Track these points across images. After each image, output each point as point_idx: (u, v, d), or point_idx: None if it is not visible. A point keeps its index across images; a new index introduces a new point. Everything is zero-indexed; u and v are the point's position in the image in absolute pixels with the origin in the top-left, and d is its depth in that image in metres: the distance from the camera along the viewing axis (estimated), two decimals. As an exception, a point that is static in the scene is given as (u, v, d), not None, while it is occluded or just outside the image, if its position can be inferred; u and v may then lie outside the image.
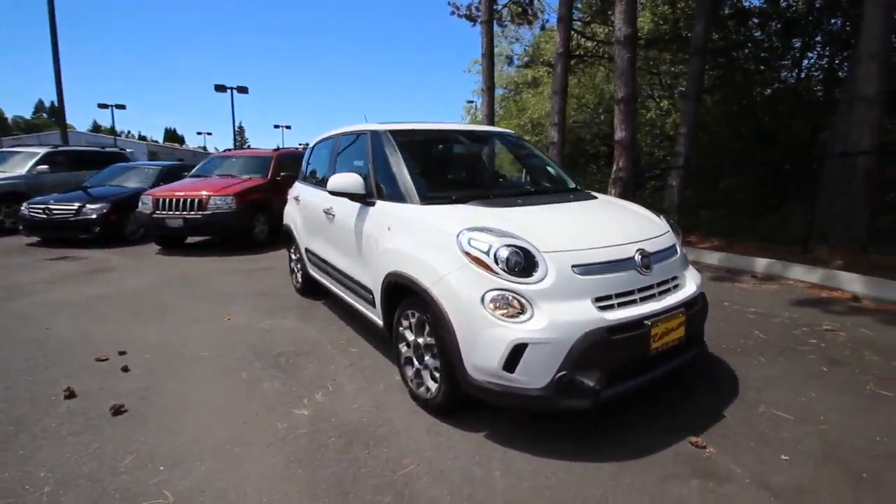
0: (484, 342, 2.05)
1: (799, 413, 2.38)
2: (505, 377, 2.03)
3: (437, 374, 2.35)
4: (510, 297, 2.04)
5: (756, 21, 9.64)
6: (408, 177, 2.78)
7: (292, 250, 4.87)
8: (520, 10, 11.03)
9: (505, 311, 2.03)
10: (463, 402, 2.33)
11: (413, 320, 2.50)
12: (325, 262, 3.79)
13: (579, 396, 2.01)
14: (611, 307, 2.11)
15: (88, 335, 3.68)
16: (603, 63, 11.97)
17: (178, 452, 2.16)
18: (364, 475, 1.99)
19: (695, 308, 2.40)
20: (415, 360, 2.56)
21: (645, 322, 2.13)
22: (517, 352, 1.98)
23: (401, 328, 2.64)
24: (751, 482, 1.89)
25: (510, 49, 12.94)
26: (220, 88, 26.16)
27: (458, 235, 2.24)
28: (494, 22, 13.24)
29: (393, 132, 3.17)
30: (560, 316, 2.00)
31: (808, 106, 10.69)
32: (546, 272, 2.07)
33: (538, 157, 3.60)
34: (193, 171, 8.91)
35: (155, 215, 7.13)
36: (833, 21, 9.86)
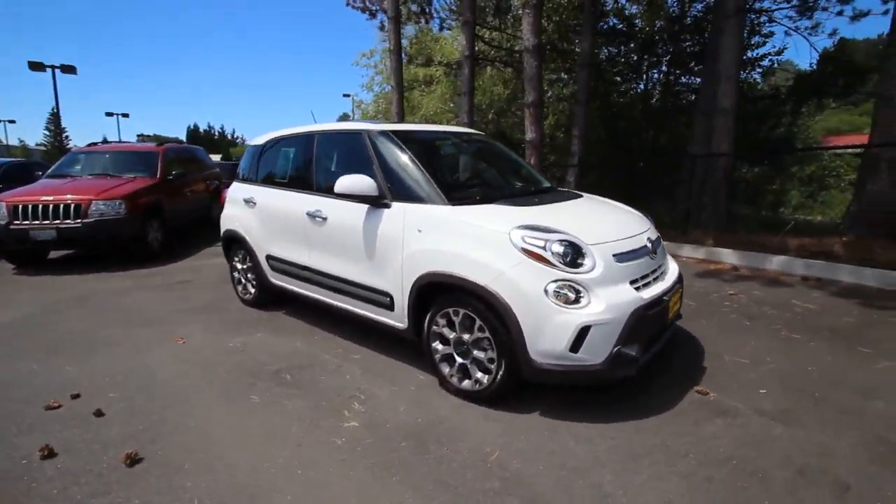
0: (550, 329, 2.26)
1: (751, 357, 3.09)
2: (570, 358, 2.28)
3: (492, 366, 2.49)
4: (569, 287, 2.29)
5: (622, 39, 11.41)
6: (429, 178, 2.83)
7: (238, 259, 4.42)
8: (418, 9, 11.23)
9: (566, 299, 2.28)
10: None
11: (457, 318, 2.59)
12: (303, 268, 3.57)
13: (627, 365, 2.35)
14: (639, 288, 2.50)
15: (7, 381, 2.92)
16: (497, 67, 12.83)
17: (245, 488, 1.95)
18: (458, 469, 2.06)
19: (682, 283, 2.94)
20: (456, 356, 2.66)
21: (664, 298, 2.57)
22: (582, 334, 2.24)
23: (435, 327, 2.71)
24: (753, 413, 2.45)
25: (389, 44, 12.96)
26: (36, 67, 21.06)
27: (510, 233, 2.41)
28: (381, 16, 13.25)
29: (395, 132, 3.15)
30: (612, 299, 2.31)
31: (652, 114, 12.95)
32: (594, 262, 2.36)
33: (515, 160, 3.89)
34: (51, 170, 7.28)
35: (13, 227, 5.70)
36: (670, 47, 12.11)
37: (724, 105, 6.15)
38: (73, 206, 5.84)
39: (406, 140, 3.11)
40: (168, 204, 7.23)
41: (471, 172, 3.29)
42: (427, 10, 11.52)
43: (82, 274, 5.81)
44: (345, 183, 2.89)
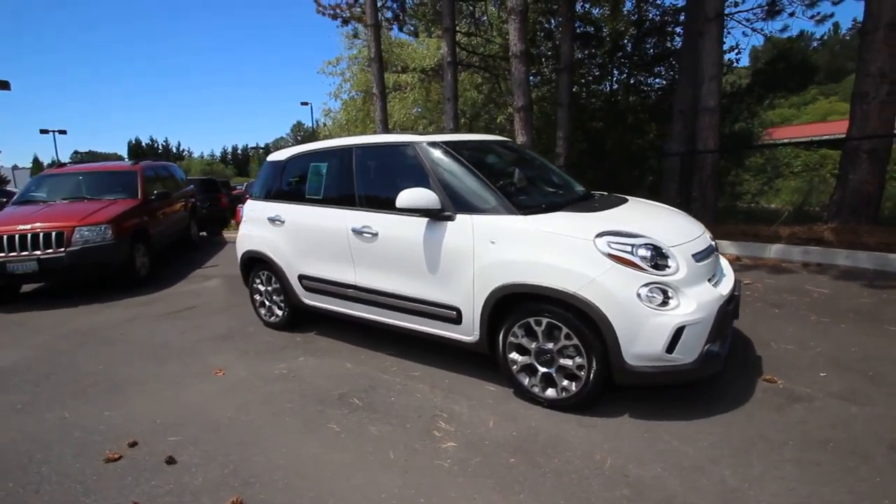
0: (646, 332, 2.31)
1: (795, 343, 3.28)
2: (665, 359, 2.33)
3: (581, 372, 2.51)
4: (659, 289, 2.34)
5: (593, 43, 11.83)
6: (494, 189, 2.82)
7: (261, 280, 4.22)
8: (392, 16, 11.16)
9: (657, 301, 2.33)
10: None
11: (539, 328, 2.59)
12: (348, 286, 3.45)
13: (715, 362, 2.43)
14: (715, 286, 2.60)
15: (43, 436, 2.65)
16: (473, 71, 12.94)
17: (375, 524, 1.86)
18: (580, 480, 2.06)
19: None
20: (538, 365, 2.65)
21: (735, 293, 2.68)
22: (677, 334, 2.30)
23: (513, 338, 2.69)
24: (824, 395, 2.59)
25: (368, 51, 12.67)
26: (-41, 83, 19.19)
27: (594, 240, 2.44)
28: (353, 23, 13.10)
29: (447, 143, 3.11)
30: (700, 298, 2.39)
31: (620, 114, 13.48)
32: (678, 264, 2.43)
33: (548, 166, 3.93)
34: (17, 197, 6.67)
35: (-14, 260, 5.17)
36: (634, 51, 12.66)
37: (710, 104, 6.50)
38: (53, 234, 5.39)
39: (459, 151, 3.09)
40: (152, 226, 6.81)
41: (519, 181, 3.30)
42: (401, 16, 11.46)
43: (69, 307, 5.35)
44: (407, 197, 2.83)
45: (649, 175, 12.69)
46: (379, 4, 9.94)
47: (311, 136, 38.78)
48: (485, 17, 12.20)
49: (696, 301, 2.36)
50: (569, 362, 2.54)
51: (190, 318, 4.77)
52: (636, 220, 2.74)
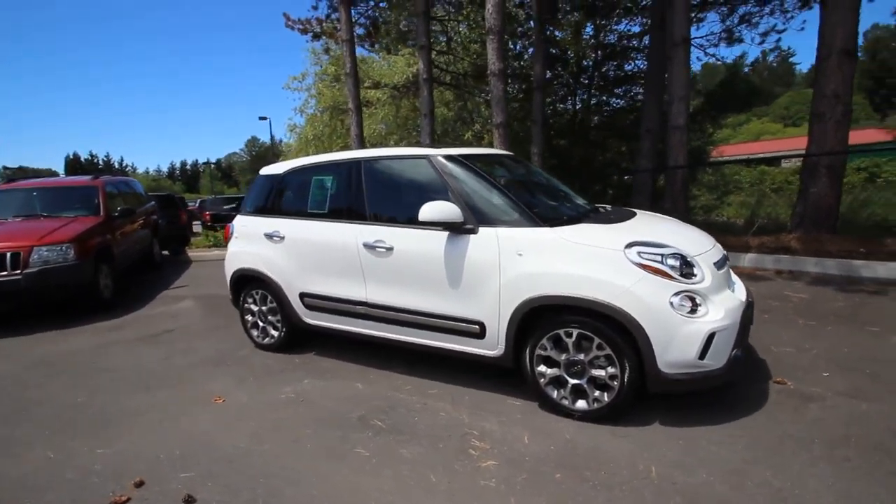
0: (680, 339, 2.35)
1: (793, 346, 3.45)
2: (698, 365, 2.38)
3: (613, 383, 2.52)
4: (689, 297, 2.41)
5: (559, 65, 12.33)
6: (517, 201, 2.82)
7: (253, 300, 4.00)
8: (366, 34, 11.14)
9: (688, 309, 2.39)
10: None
11: (570, 339, 2.58)
12: (357, 303, 3.33)
13: (740, 366, 2.52)
14: (734, 293, 2.70)
15: (29, 480, 2.34)
16: (449, 89, 13.09)
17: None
18: (633, 491, 2.05)
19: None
20: (567, 377, 2.64)
21: (751, 300, 2.80)
22: (709, 341, 2.36)
23: (541, 351, 2.68)
24: (833, 394, 2.73)
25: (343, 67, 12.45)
26: None
27: (624, 250, 2.48)
28: (324, 39, 12.99)
29: (463, 156, 3.10)
30: (725, 304, 2.47)
31: (584, 132, 14.05)
32: (703, 272, 2.51)
33: (552, 179, 4.00)
34: (-42, 213, 6.02)
35: (-73, 285, 4.61)
36: (596, 72, 13.29)
37: (679, 122, 6.89)
38: (8, 255, 4.89)
39: (475, 163, 3.08)
40: (116, 245, 6.35)
41: (532, 193, 3.33)
42: (373, 33, 11.47)
43: (27, 335, 4.85)
44: (429, 211, 2.78)
45: (609, 189, 13.25)
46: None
47: (269, 151, 37.80)
48: (456, 37, 12.45)
49: (723, 308, 2.44)
50: (601, 373, 2.55)
51: (170, 342, 4.43)
52: (656, 232, 2.82)
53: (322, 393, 3.18)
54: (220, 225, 14.70)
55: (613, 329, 2.46)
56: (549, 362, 2.69)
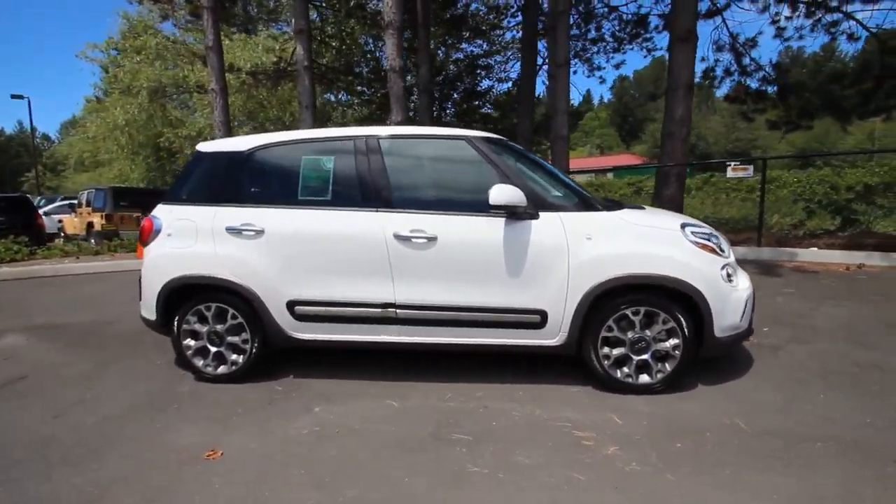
0: (731, 305, 2.69)
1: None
2: (739, 327, 2.75)
3: (677, 352, 2.71)
4: (729, 269, 2.78)
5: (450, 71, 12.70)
6: (575, 185, 2.82)
7: (200, 319, 3.01)
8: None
9: (730, 279, 2.76)
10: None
11: (637, 316, 2.69)
12: (381, 305, 2.82)
13: (751, 327, 2.99)
14: (731, 266, 3.21)
15: None
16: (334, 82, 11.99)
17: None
18: (742, 443, 2.24)
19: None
20: (632, 354, 2.75)
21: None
22: (746, 305, 2.77)
23: (606, 333, 2.71)
24: (784, 342, 3.47)
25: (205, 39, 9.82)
26: None
27: (682, 230, 2.72)
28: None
29: (500, 140, 2.93)
30: (744, 275, 2.93)
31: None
32: (728, 248, 2.92)
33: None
34: None
35: None
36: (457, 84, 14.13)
37: (563, 133, 7.83)
38: None
39: (514, 147, 2.96)
40: None
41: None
42: (247, 9, 9.79)
43: None
44: (501, 194, 2.56)
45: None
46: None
47: (32, 139, 28.80)
48: (330, 27, 11.63)
49: (745, 277, 2.89)
50: (664, 345, 2.72)
51: (40, 394, 3.00)
52: (674, 218, 3.16)
53: (355, 418, 2.59)
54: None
55: (677, 302, 2.67)
56: (614, 343, 2.75)
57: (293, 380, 3.12)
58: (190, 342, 3.06)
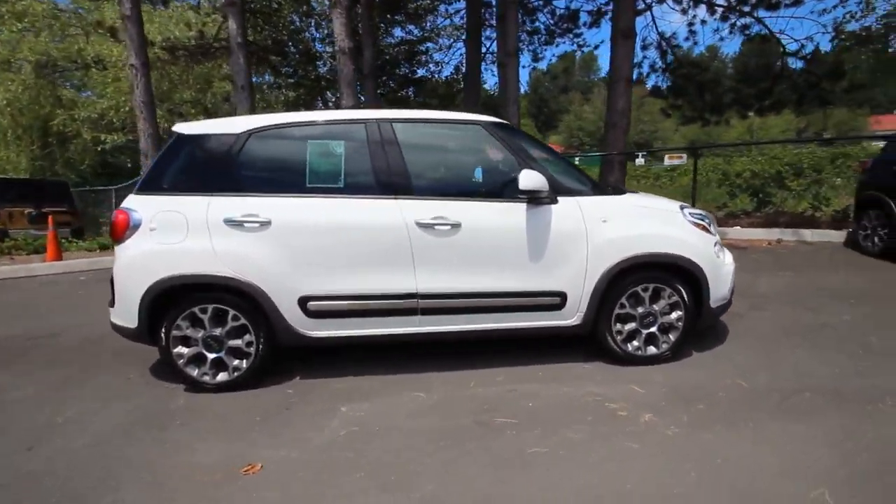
0: (722, 278, 2.99)
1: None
2: (725, 298, 3.06)
3: (680, 324, 2.95)
4: (718, 246, 3.08)
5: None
6: (580, 171, 2.92)
7: (192, 325, 2.71)
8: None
9: (719, 255, 3.06)
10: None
11: (646, 294, 2.89)
12: (404, 296, 2.74)
13: (730, 301, 3.34)
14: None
15: None
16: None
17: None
18: (755, 398, 2.52)
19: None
20: (642, 328, 2.95)
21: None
22: (731, 278, 3.09)
23: (619, 310, 2.88)
24: (748, 309, 3.93)
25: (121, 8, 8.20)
26: None
27: (682, 212, 2.95)
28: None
29: (508, 125, 2.95)
30: (727, 252, 3.25)
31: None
32: (715, 228, 3.22)
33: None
34: None
35: None
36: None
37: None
38: None
39: (524, 133, 3.00)
40: None
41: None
42: None
43: None
44: (529, 180, 2.59)
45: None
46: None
47: None
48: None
49: (728, 254, 3.22)
50: (671, 317, 2.95)
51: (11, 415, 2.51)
52: (674, 201, 3.40)
53: (389, 415, 2.51)
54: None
55: (679, 277, 2.90)
56: (624, 318, 2.93)
57: (301, 381, 2.93)
58: (182, 350, 2.74)
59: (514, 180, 2.69)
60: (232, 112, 12.75)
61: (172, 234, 2.65)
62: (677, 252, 2.85)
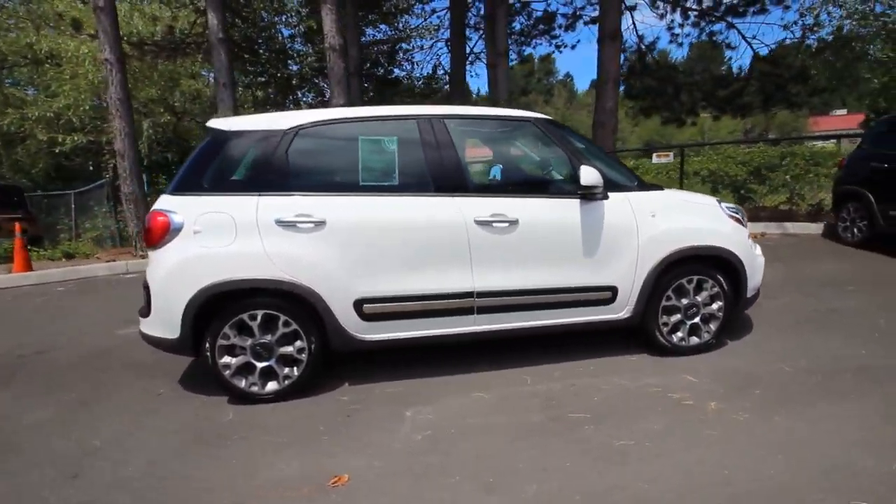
0: (757, 268, 3.13)
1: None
2: (757, 287, 3.21)
3: (720, 313, 3.06)
4: (750, 238, 3.22)
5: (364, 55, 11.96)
6: (627, 167, 2.98)
7: (240, 333, 2.56)
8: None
9: (752, 247, 3.20)
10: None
11: (691, 285, 2.97)
12: (461, 295, 2.69)
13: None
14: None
15: None
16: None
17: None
18: (804, 380, 2.65)
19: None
20: (686, 321, 3.03)
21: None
22: (762, 269, 3.24)
23: (666, 302, 2.95)
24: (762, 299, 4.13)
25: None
26: None
27: (720, 206, 3.06)
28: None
29: (558, 122, 2.96)
30: (757, 244, 3.40)
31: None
32: (746, 221, 3.36)
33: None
34: None
35: None
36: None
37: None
38: None
39: (572, 130, 3.03)
40: None
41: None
42: None
43: None
44: (590, 176, 2.61)
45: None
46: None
47: None
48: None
49: (757, 245, 3.37)
50: (712, 308, 3.05)
51: (19, 455, 2.27)
52: (708, 196, 3.52)
53: (458, 416, 2.46)
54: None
55: (719, 269, 3.01)
56: (670, 310, 3.01)
57: (352, 387, 2.83)
58: (228, 360, 2.57)
59: (568, 176, 2.71)
60: (213, 111, 12.23)
61: (220, 237, 2.48)
62: (719, 244, 2.95)
